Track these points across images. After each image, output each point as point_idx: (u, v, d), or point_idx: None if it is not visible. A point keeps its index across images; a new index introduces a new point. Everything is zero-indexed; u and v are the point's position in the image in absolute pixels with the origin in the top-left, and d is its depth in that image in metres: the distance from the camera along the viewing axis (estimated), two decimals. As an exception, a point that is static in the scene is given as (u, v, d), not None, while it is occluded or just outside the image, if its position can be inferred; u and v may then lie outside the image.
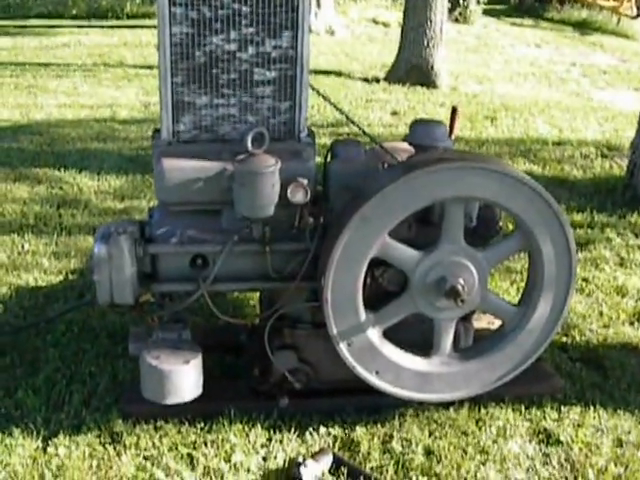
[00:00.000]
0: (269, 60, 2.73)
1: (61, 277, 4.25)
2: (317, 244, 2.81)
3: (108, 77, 10.05)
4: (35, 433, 2.88)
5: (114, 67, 10.77)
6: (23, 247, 4.60)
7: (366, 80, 10.44)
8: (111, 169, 6.10)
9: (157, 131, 2.87)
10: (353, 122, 3.11)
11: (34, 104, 8.40)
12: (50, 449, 2.81)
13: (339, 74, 10.75)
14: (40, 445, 2.84)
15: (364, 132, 3.11)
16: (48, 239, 4.71)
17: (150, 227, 2.86)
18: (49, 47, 12.45)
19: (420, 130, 2.98)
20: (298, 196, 2.72)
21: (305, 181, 2.72)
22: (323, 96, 3.07)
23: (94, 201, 5.40)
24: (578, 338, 3.73)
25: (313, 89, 2.94)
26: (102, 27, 15.17)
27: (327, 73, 10.64)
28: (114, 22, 15.75)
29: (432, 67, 10.05)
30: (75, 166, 6.12)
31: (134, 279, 2.77)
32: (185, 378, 2.75)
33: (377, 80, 10.34)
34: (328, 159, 2.96)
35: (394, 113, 8.47)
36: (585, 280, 4.37)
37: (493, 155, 6.69)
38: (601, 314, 3.99)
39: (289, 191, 2.70)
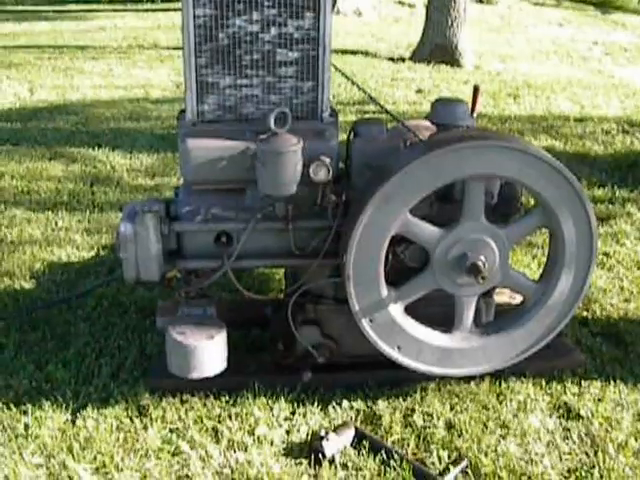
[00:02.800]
0: (291, 41, 2.75)
1: (93, 253, 4.34)
2: (339, 221, 2.84)
3: (142, 59, 10.19)
4: (64, 406, 2.94)
5: (148, 49, 10.90)
6: (56, 224, 4.70)
7: (392, 59, 10.51)
8: (143, 147, 6.23)
9: (182, 112, 2.91)
10: (375, 100, 3.12)
11: (70, 85, 8.58)
12: (79, 422, 2.87)
13: (366, 54, 10.81)
14: (69, 418, 2.90)
15: (385, 110, 3.12)
16: (81, 216, 4.82)
17: (175, 205, 2.91)
18: (86, 30, 12.65)
19: (441, 109, 2.99)
20: (320, 174, 2.75)
21: (327, 160, 2.75)
22: (345, 75, 3.09)
23: (126, 178, 5.52)
24: (599, 312, 3.74)
25: (336, 69, 2.96)
26: (137, 11, 15.38)
27: (354, 53, 10.74)
28: (149, 5, 16.00)
29: (456, 46, 10.11)
30: (108, 145, 6.26)
31: (160, 256, 2.83)
32: (209, 353, 2.80)
33: (402, 59, 10.41)
34: (351, 138, 2.99)
35: (419, 91, 8.54)
36: (606, 254, 4.38)
37: (515, 132, 6.70)
38: (622, 288, 4.00)
39: (311, 170, 2.73)
